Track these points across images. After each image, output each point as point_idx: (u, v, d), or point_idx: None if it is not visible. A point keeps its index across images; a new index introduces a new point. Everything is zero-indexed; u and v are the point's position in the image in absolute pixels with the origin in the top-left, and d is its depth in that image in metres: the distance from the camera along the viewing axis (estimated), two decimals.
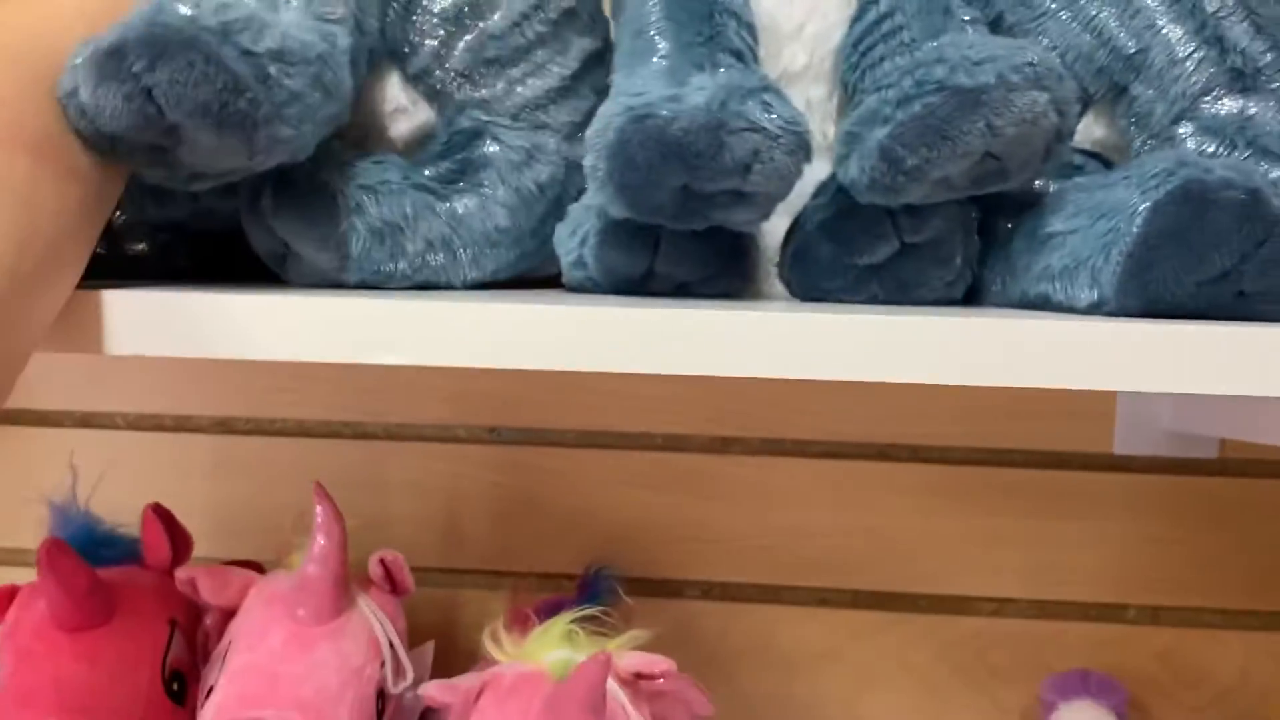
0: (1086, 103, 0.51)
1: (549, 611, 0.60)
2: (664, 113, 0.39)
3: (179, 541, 0.64)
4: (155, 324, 0.41)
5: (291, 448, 0.83)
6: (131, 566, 0.63)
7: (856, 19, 0.49)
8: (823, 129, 0.52)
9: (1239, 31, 0.47)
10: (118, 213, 0.51)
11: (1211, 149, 0.47)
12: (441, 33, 0.49)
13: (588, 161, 0.42)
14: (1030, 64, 0.39)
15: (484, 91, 0.51)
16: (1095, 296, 0.44)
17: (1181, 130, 0.47)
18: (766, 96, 0.40)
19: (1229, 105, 0.47)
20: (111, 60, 0.38)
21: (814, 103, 0.52)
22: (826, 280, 0.47)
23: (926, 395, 0.78)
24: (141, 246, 0.54)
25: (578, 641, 0.55)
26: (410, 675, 0.59)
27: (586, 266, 0.48)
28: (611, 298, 0.46)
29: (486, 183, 0.50)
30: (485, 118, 0.51)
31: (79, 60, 0.39)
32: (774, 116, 0.39)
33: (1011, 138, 0.40)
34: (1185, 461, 0.77)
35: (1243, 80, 0.46)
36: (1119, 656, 0.77)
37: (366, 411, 0.83)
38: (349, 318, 0.41)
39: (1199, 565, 0.77)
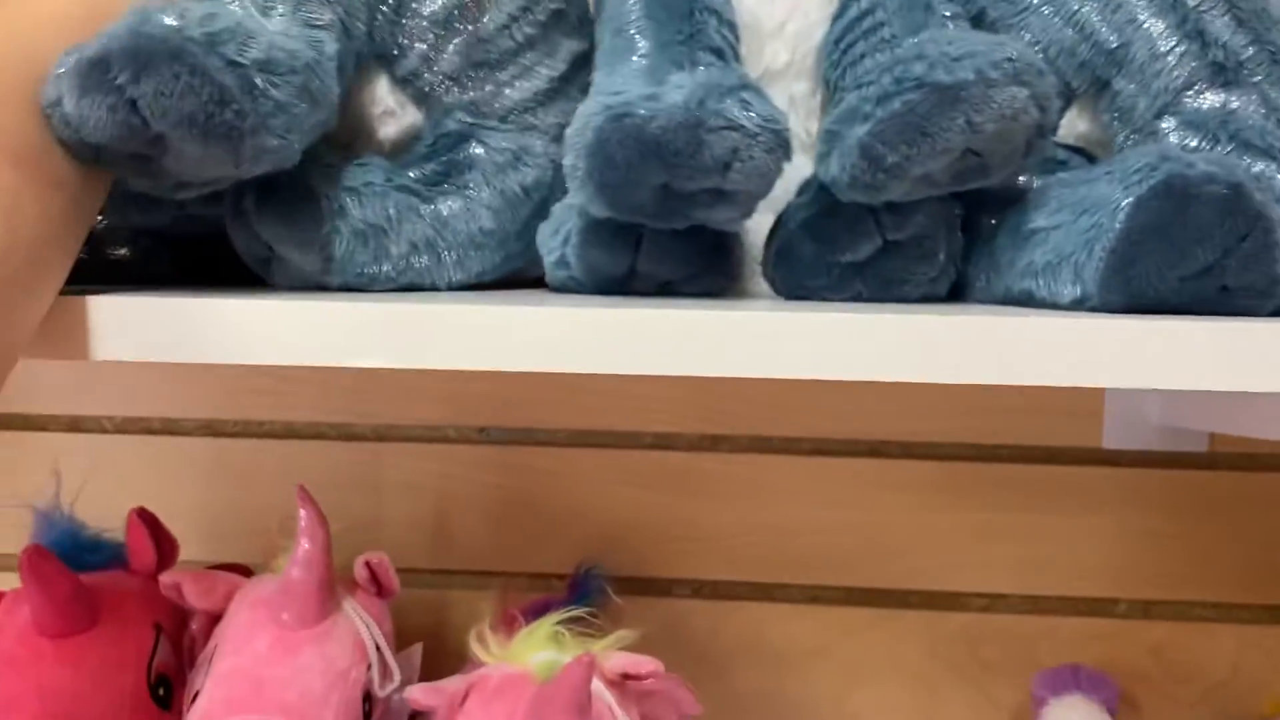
0: (1069, 98, 0.51)
1: (537, 612, 0.60)
2: (642, 111, 0.39)
3: (164, 546, 0.64)
4: (141, 329, 0.41)
5: (279, 450, 0.83)
6: (116, 571, 0.63)
7: (838, 16, 0.49)
8: (805, 126, 0.52)
9: (1220, 25, 0.46)
10: (99, 218, 0.51)
11: (1194, 143, 0.46)
12: (431, 36, 0.49)
13: (567, 161, 0.42)
14: (1010, 59, 0.39)
15: (472, 94, 0.51)
16: (1078, 292, 0.44)
17: (1164, 125, 0.47)
18: (745, 94, 0.39)
19: (1211, 99, 0.46)
20: (95, 71, 0.37)
21: (797, 100, 0.52)
22: (810, 278, 0.47)
23: (916, 392, 0.78)
24: (123, 251, 0.54)
25: (564, 642, 0.55)
26: (397, 677, 0.59)
27: (569, 266, 0.48)
28: (595, 298, 0.46)
29: (471, 185, 0.50)
30: (471, 120, 0.51)
31: (62, 70, 0.38)
32: (752, 114, 0.39)
33: (992, 134, 0.39)
34: (1175, 455, 0.76)
35: (1225, 74, 0.46)
36: (1110, 651, 0.77)
37: (355, 413, 0.82)
38: (335, 321, 0.41)
39: (1190, 559, 0.77)
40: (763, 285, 0.50)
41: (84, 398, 0.84)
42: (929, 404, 0.78)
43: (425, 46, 0.49)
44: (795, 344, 0.40)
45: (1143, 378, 0.40)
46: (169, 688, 0.60)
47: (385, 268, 0.47)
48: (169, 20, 0.38)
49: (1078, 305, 0.44)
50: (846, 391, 0.78)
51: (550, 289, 0.50)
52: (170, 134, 0.38)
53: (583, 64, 0.54)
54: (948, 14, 0.47)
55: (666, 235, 0.44)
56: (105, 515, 0.67)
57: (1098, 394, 0.76)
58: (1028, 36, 0.50)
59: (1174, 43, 0.47)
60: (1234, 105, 0.46)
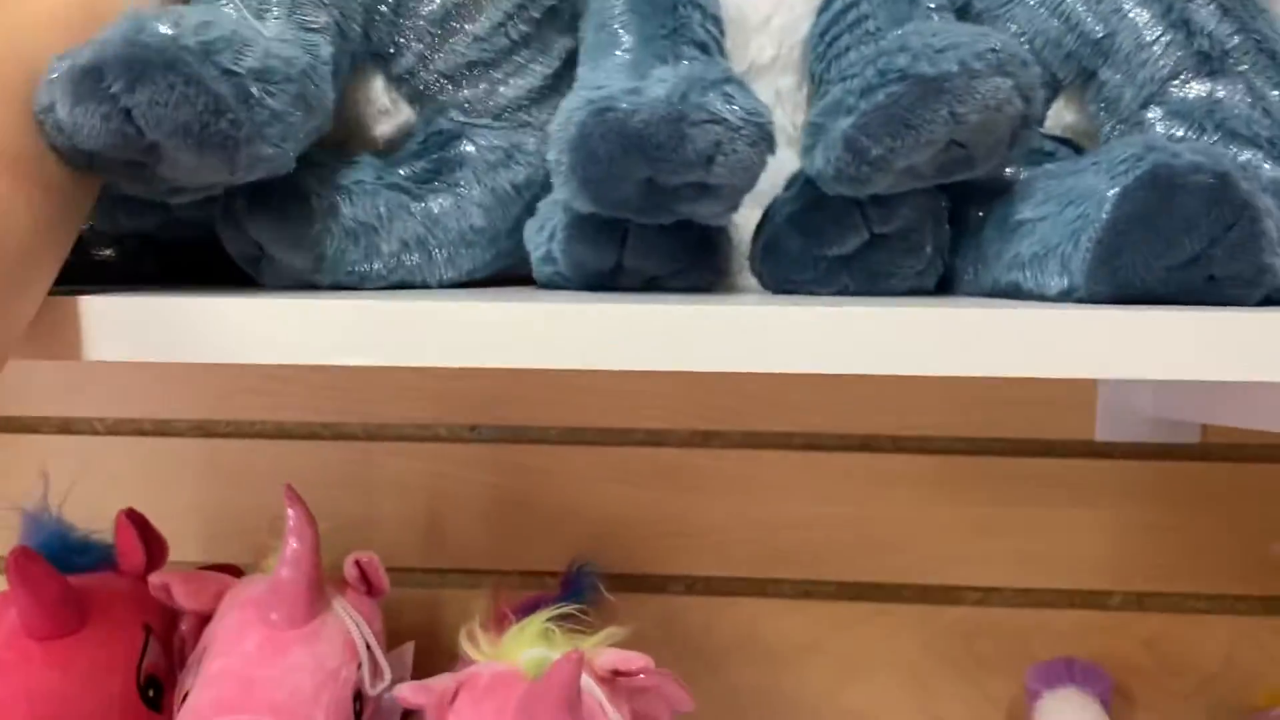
0: (1056, 88, 0.51)
1: (530, 610, 0.59)
2: (624, 105, 0.39)
3: (153, 546, 0.64)
4: (134, 329, 0.41)
5: (271, 450, 0.82)
6: (105, 573, 0.63)
7: (823, 9, 0.49)
8: (792, 120, 0.52)
9: (1205, 14, 0.46)
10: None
11: (1180, 133, 0.46)
12: (429, 35, 0.49)
13: (551, 156, 0.42)
14: (993, 50, 0.38)
15: (467, 91, 0.50)
16: (1065, 284, 0.43)
17: (1150, 115, 0.47)
18: (728, 88, 0.39)
19: (1197, 89, 0.46)
20: (89, 79, 0.37)
21: (783, 94, 0.52)
22: (797, 272, 0.46)
23: (908, 386, 0.78)
24: (109, 252, 0.53)
25: (554, 640, 0.55)
26: (388, 676, 0.59)
27: (555, 261, 0.48)
28: (583, 294, 0.45)
29: (462, 182, 0.50)
30: (463, 119, 0.51)
31: (55, 75, 0.38)
32: (735, 108, 0.39)
33: (976, 125, 0.39)
34: (1167, 447, 0.76)
35: (1210, 63, 0.46)
36: (1105, 643, 0.77)
37: (346, 412, 0.82)
38: (331, 319, 0.40)
39: (1183, 551, 0.77)
40: (751, 280, 0.50)
41: (75, 399, 0.83)
42: (921, 398, 0.78)
43: (422, 46, 0.49)
44: (783, 338, 0.40)
45: (1133, 368, 0.40)
46: (159, 689, 0.60)
47: (376, 266, 0.47)
48: (164, 29, 0.38)
49: (1065, 296, 0.43)
50: (838, 386, 0.78)
51: (537, 285, 0.50)
52: (165, 143, 0.38)
53: (576, 61, 0.54)
54: (932, 6, 0.47)
55: (652, 230, 0.44)
56: (97, 517, 0.67)
57: (1090, 386, 0.76)
58: (1014, 28, 0.50)
59: (1159, 32, 0.47)
60: (1220, 94, 0.46)
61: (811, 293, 0.47)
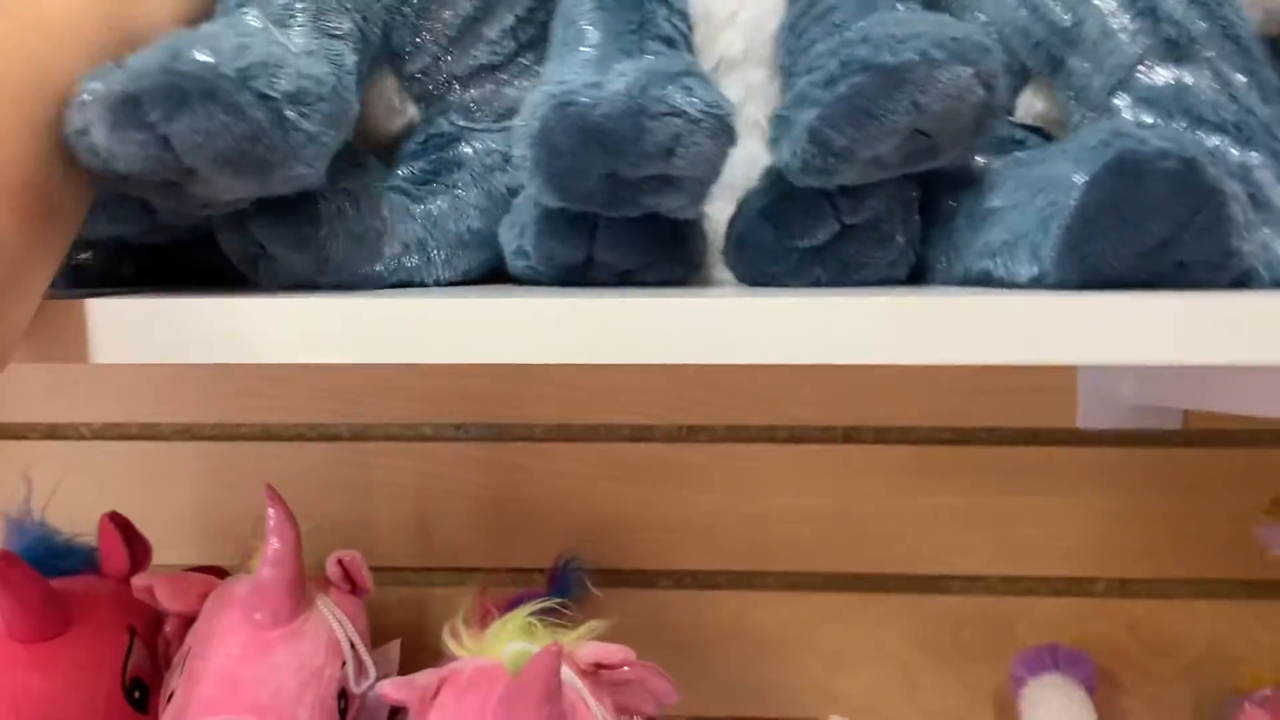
0: (1025, 77, 0.51)
1: (516, 607, 0.59)
2: (585, 99, 0.39)
3: (137, 549, 0.64)
4: (138, 331, 0.41)
5: (258, 452, 0.83)
6: (89, 576, 0.63)
7: (791, 2, 0.49)
8: (764, 114, 0.52)
9: (1172, 1, 0.46)
10: None
11: (1148, 119, 0.46)
12: (446, 39, 0.50)
13: (517, 151, 0.42)
14: (954, 39, 0.39)
15: (473, 93, 0.51)
16: (1035, 271, 0.43)
17: (1118, 102, 0.47)
18: (688, 81, 0.39)
19: (1164, 75, 0.46)
20: (127, 107, 0.37)
21: (754, 88, 0.52)
22: (770, 265, 0.47)
23: (890, 378, 0.78)
24: (86, 255, 0.54)
25: (536, 634, 0.55)
26: (373, 674, 0.59)
27: (528, 256, 0.48)
28: (559, 289, 0.46)
29: (460, 185, 0.50)
30: (463, 122, 0.51)
31: (88, 99, 0.38)
32: (695, 100, 0.39)
33: (938, 113, 0.39)
34: (1149, 434, 0.77)
35: (1177, 50, 0.46)
36: (1090, 629, 0.78)
37: (332, 413, 0.82)
38: (330, 319, 0.41)
39: (1166, 537, 0.77)
40: (726, 274, 0.50)
41: (60, 404, 0.84)
42: (903, 389, 0.78)
43: (439, 48, 0.50)
44: (757, 330, 0.40)
45: (1114, 354, 0.40)
46: (144, 691, 0.60)
47: (378, 268, 0.47)
48: (202, 56, 0.38)
49: (1035, 283, 0.44)
50: (820, 379, 0.79)
51: (513, 281, 0.50)
52: (202, 168, 0.38)
53: None
54: None
55: (621, 224, 0.44)
56: (84, 521, 0.67)
57: (1071, 375, 0.77)
58: (982, 18, 0.50)
59: (1126, 19, 0.47)
60: (1187, 80, 0.46)
61: (784, 285, 0.47)
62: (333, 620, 0.58)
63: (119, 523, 0.64)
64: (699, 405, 0.80)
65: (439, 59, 0.50)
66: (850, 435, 0.79)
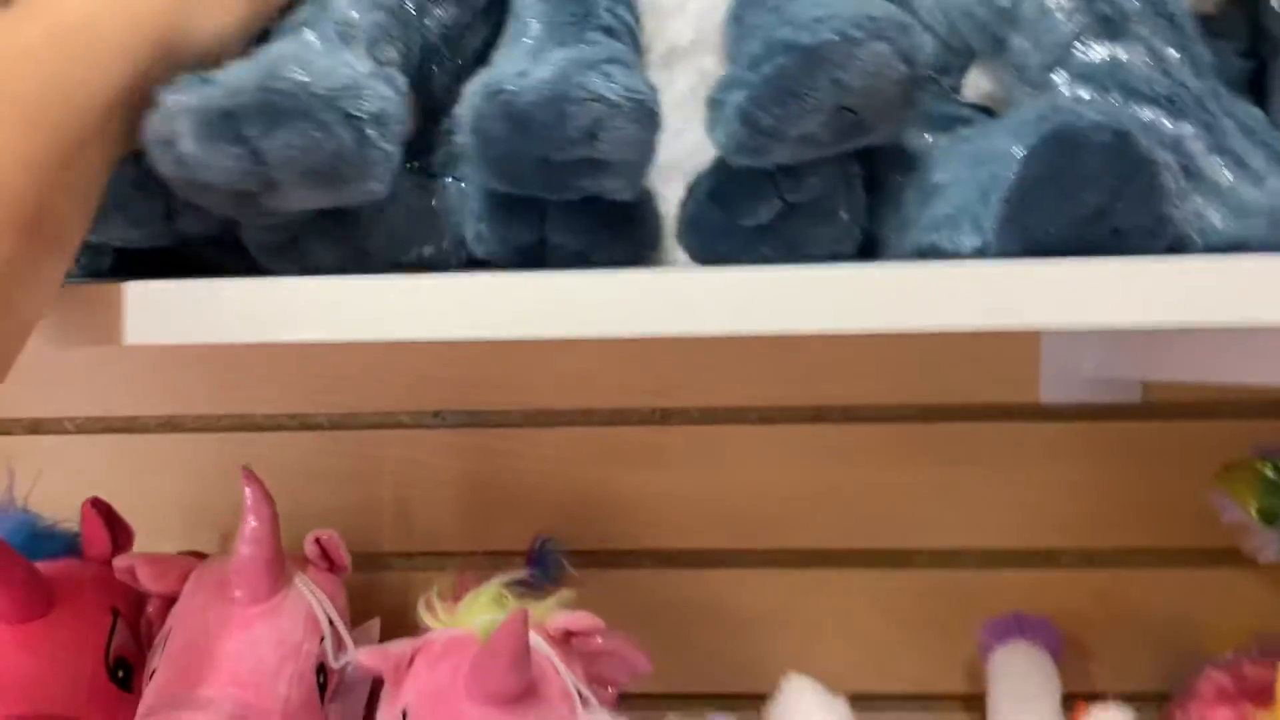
0: (971, 58, 0.53)
1: None
2: (511, 88, 0.41)
3: (119, 534, 0.65)
4: (169, 313, 0.43)
5: (239, 442, 0.84)
6: (73, 560, 0.64)
7: None
8: None
9: None
10: None
11: (1086, 94, 0.48)
12: (465, 69, 0.51)
13: (459, 139, 0.44)
14: (870, 18, 0.40)
15: None
16: (978, 241, 0.45)
17: (1057, 78, 0.49)
18: (608, 68, 0.41)
19: (1100, 52, 0.48)
20: (224, 122, 0.39)
21: (707, 74, 0.53)
22: (719, 244, 0.48)
23: (856, 358, 0.79)
24: None
25: (507, 605, 0.57)
26: (351, 650, 0.60)
27: (486, 240, 0.49)
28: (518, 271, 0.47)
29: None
30: None
31: (177, 111, 0.40)
32: (615, 85, 0.41)
33: (860, 90, 0.41)
34: (1110, 407, 0.78)
35: (1111, 27, 0.48)
36: (1057, 599, 0.79)
37: (312, 403, 0.84)
38: (365, 296, 0.43)
39: (1129, 507, 0.79)
40: (683, 254, 0.52)
41: (44, 400, 0.85)
42: (869, 369, 0.80)
43: (457, 69, 0.52)
44: (707, 302, 0.42)
45: (1044, 318, 0.42)
46: (129, 670, 0.61)
47: (401, 259, 0.48)
48: (296, 75, 0.40)
49: (978, 254, 0.45)
50: (789, 361, 0.80)
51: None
52: (287, 181, 0.41)
53: None
54: None
55: (569, 206, 0.46)
56: (71, 513, 0.68)
57: (1033, 351, 0.78)
58: (928, 2, 0.52)
59: None
60: (1122, 57, 0.48)
61: (735, 263, 0.48)
62: (311, 597, 0.60)
63: (100, 508, 0.65)
64: (672, 389, 0.82)
65: (458, 75, 0.51)
66: (819, 415, 0.81)
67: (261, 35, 0.47)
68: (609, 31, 0.48)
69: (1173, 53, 0.48)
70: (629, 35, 0.50)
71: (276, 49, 0.43)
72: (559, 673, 0.54)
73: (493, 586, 0.57)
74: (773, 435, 0.81)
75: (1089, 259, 0.42)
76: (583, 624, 0.55)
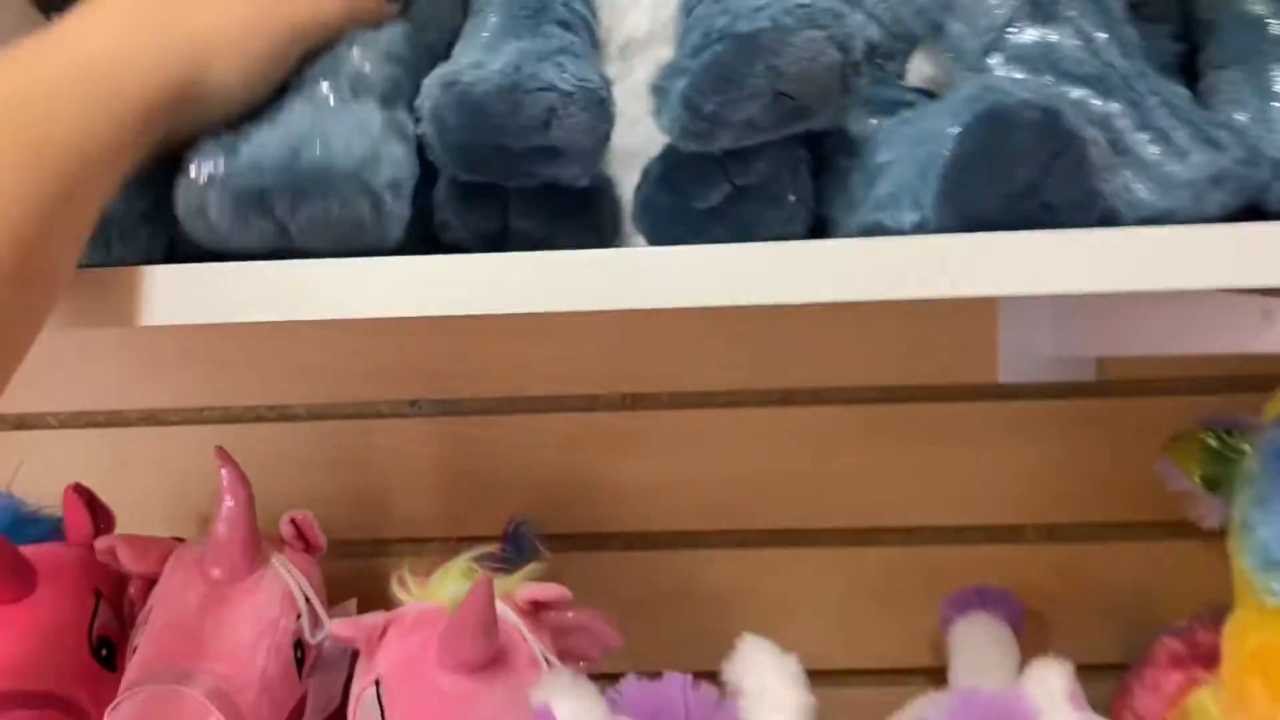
0: (914, 43, 0.55)
1: None
2: (467, 79, 0.44)
3: (100, 518, 0.67)
4: (189, 294, 0.45)
5: (220, 435, 0.84)
6: (56, 544, 0.66)
7: None
8: None
9: None
10: None
11: (1019, 76, 0.50)
12: None
13: (421, 130, 0.46)
14: (802, 5, 0.42)
15: None
16: (918, 217, 0.47)
17: (992, 61, 0.51)
18: (561, 59, 0.44)
19: (1032, 35, 0.50)
20: (254, 199, 0.43)
21: (663, 65, 0.55)
22: (672, 227, 0.50)
23: (821, 343, 0.81)
24: None
25: (476, 578, 0.59)
26: (327, 625, 0.62)
27: (452, 227, 0.51)
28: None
29: None
30: None
31: (205, 182, 0.43)
32: (567, 75, 0.43)
33: (795, 76, 0.43)
34: (1066, 386, 0.80)
35: (1042, 11, 0.50)
36: (1019, 573, 0.81)
37: (289, 395, 0.85)
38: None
39: (1087, 483, 0.81)
40: (641, 238, 0.54)
41: (27, 396, 0.86)
42: (833, 353, 0.81)
43: None
44: (660, 277, 0.46)
45: (978, 287, 0.45)
46: (112, 649, 0.63)
47: None
48: (319, 155, 0.43)
49: (918, 230, 0.47)
50: (755, 346, 0.82)
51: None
52: (308, 244, 0.44)
53: None
54: None
55: (530, 193, 0.48)
56: (56, 508, 0.69)
57: (991, 333, 0.80)
58: None
59: None
60: (1053, 38, 0.50)
61: (688, 244, 0.50)
62: (287, 575, 0.62)
63: (82, 493, 0.67)
64: (643, 376, 0.83)
65: None
66: (786, 398, 0.83)
67: None
68: (564, 25, 0.50)
69: (1101, 35, 0.50)
70: (585, 28, 0.52)
71: (296, 113, 0.45)
72: (527, 641, 0.56)
73: (462, 560, 0.59)
74: (741, 419, 0.83)
75: (1022, 232, 0.45)
76: (549, 594, 0.57)
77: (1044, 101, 0.45)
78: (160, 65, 0.43)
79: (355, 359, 0.84)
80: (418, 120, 0.47)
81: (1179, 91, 0.50)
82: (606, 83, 0.45)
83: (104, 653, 0.62)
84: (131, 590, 0.65)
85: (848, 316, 0.81)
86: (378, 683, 0.55)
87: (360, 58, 0.48)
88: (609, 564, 0.85)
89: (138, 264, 0.47)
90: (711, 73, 0.43)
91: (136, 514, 0.73)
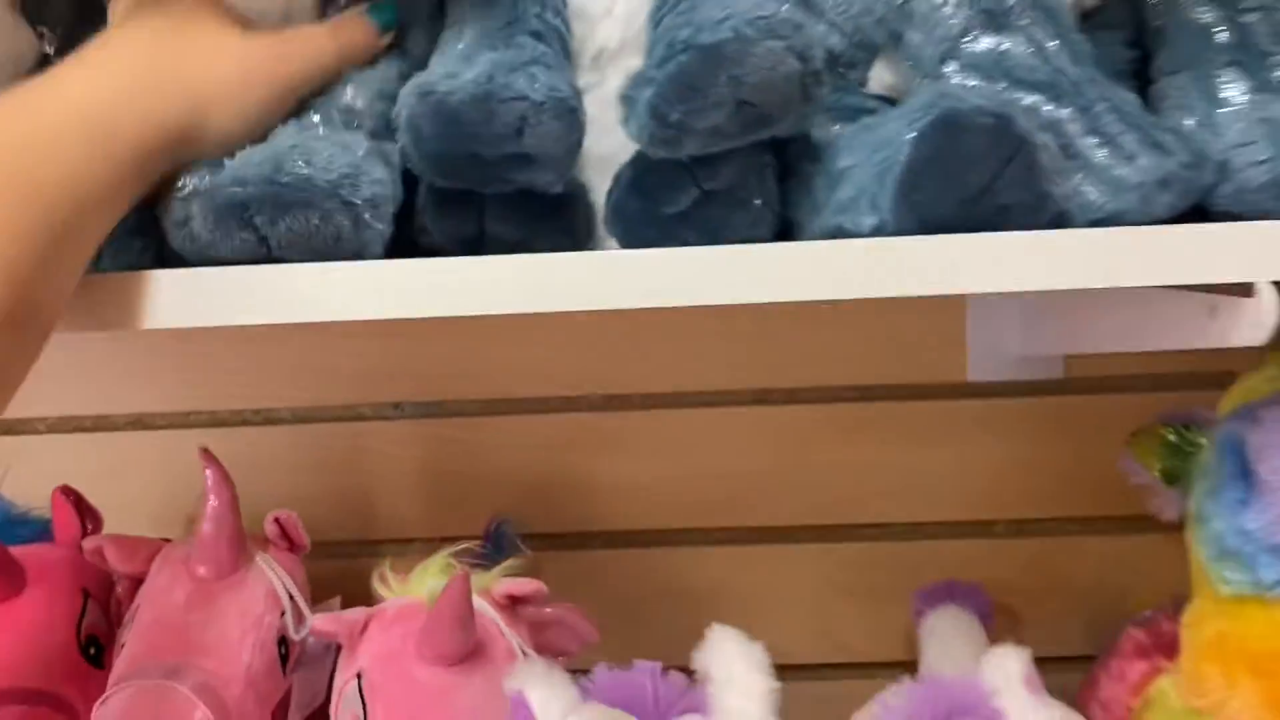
0: (875, 52, 0.57)
1: None
2: (442, 88, 0.46)
3: (88, 519, 0.68)
4: (192, 298, 0.46)
5: (205, 439, 0.85)
6: (45, 544, 0.67)
7: None
8: None
9: None
10: None
11: (974, 83, 0.52)
12: None
13: (398, 138, 0.48)
14: (762, 17, 0.44)
15: None
16: (876, 220, 0.49)
17: (948, 69, 0.53)
18: (533, 69, 0.46)
19: (986, 43, 0.52)
20: (235, 210, 0.44)
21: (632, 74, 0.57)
22: (642, 230, 0.51)
23: (795, 343, 0.83)
24: None
25: (454, 573, 0.60)
26: (310, 622, 0.64)
27: (430, 233, 0.53)
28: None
29: None
30: None
31: (190, 194, 0.45)
32: (539, 85, 0.45)
33: (756, 85, 0.45)
34: (1034, 384, 0.82)
35: (995, 20, 0.52)
36: (989, 568, 0.83)
37: (274, 398, 0.86)
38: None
39: (1055, 480, 0.83)
40: (615, 242, 0.56)
41: (15, 401, 0.86)
42: (807, 353, 0.83)
43: None
44: (630, 278, 0.47)
45: (933, 286, 0.47)
46: (100, 647, 0.64)
47: None
48: (301, 169, 0.45)
49: (877, 232, 0.49)
50: (731, 347, 0.83)
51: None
52: (289, 256, 0.46)
53: None
54: None
55: (505, 199, 0.50)
56: (44, 511, 0.70)
57: (960, 333, 0.82)
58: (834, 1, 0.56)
59: None
60: (1005, 46, 0.52)
61: (658, 248, 0.52)
62: (271, 574, 0.63)
63: (70, 495, 0.68)
64: (622, 377, 0.85)
65: None
66: (762, 398, 0.84)
67: None
68: (537, 36, 0.51)
69: (1052, 43, 0.52)
70: (558, 39, 0.54)
71: (284, 136, 0.47)
72: (504, 634, 0.57)
73: (441, 557, 0.61)
74: (718, 418, 0.84)
75: (976, 233, 0.46)
76: (525, 589, 0.58)
77: (996, 108, 0.47)
78: (158, 112, 0.44)
79: (339, 363, 0.86)
80: (394, 130, 0.49)
81: (1128, 97, 0.52)
82: (577, 93, 0.47)
83: (92, 651, 0.63)
84: (119, 590, 0.66)
85: (822, 318, 0.83)
86: (359, 676, 0.57)
87: (354, 94, 0.51)
88: (591, 562, 0.86)
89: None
90: (676, 83, 0.44)
91: (125, 517, 0.74)
